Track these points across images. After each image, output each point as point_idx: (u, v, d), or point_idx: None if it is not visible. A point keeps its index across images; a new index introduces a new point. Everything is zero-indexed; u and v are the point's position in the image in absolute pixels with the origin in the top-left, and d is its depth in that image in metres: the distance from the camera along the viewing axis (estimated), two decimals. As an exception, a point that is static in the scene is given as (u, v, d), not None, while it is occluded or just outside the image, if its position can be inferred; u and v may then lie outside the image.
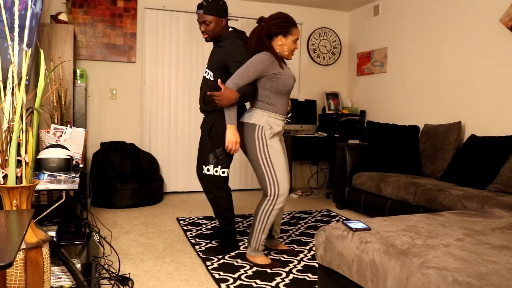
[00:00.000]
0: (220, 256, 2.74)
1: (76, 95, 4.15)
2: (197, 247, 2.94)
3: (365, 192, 3.83)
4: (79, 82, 4.14)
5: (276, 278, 2.40)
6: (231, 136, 2.50)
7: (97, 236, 2.28)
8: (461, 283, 1.23)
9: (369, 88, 5.18)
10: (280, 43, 2.57)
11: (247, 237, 3.15)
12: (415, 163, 3.87)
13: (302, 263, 2.64)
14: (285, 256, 2.78)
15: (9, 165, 1.53)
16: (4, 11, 1.76)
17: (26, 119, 1.60)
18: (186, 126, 4.90)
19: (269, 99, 2.57)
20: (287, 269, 2.54)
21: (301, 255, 2.79)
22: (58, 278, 1.97)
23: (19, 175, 1.57)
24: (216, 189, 2.80)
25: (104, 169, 4.20)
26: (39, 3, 2.54)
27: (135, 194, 4.15)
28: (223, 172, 2.78)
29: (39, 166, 2.15)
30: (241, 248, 2.94)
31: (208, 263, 2.63)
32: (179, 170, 4.88)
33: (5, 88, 1.60)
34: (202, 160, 2.85)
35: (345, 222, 1.84)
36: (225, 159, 2.78)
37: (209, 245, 2.99)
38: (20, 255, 1.45)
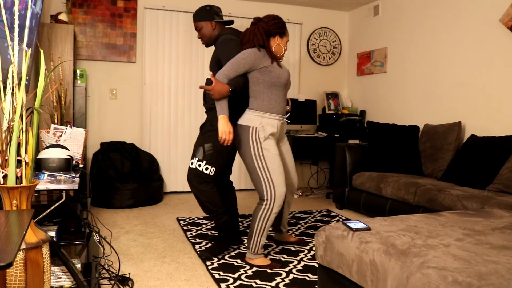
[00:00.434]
0: (219, 256, 2.73)
1: (76, 95, 4.15)
2: (197, 247, 2.94)
3: (365, 192, 3.84)
4: (79, 82, 4.14)
5: (276, 278, 2.40)
6: (224, 126, 2.45)
7: (97, 236, 2.28)
8: (461, 283, 1.23)
9: (369, 88, 5.18)
10: (277, 43, 2.62)
11: (247, 237, 3.16)
12: (415, 163, 3.87)
13: (302, 263, 2.64)
14: (285, 256, 2.78)
15: (9, 165, 1.53)
16: (4, 11, 1.76)
17: (26, 119, 1.60)
18: (186, 126, 4.90)
19: (263, 95, 2.55)
20: (287, 269, 2.54)
21: (301, 255, 2.79)
22: (58, 278, 1.97)
23: (19, 175, 1.57)
24: (198, 183, 2.72)
25: (104, 169, 4.20)
26: (39, 3, 2.54)
27: (135, 194, 4.15)
28: (206, 169, 2.69)
29: (39, 166, 2.15)
30: (241, 248, 2.93)
31: (208, 263, 2.62)
32: (179, 170, 4.88)
33: (5, 88, 1.60)
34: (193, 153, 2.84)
35: (345, 222, 1.84)
36: (212, 156, 2.69)
37: (209, 244, 2.99)
38: (20, 255, 1.45)
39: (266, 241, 3.07)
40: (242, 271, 2.50)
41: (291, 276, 2.44)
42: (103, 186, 4.12)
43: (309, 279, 2.39)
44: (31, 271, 1.47)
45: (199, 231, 3.32)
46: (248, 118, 2.56)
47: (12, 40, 1.70)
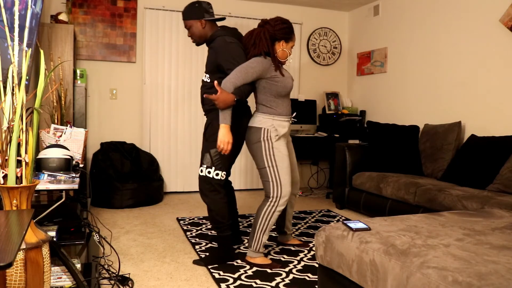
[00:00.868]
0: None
1: (76, 95, 4.15)
2: (197, 247, 2.94)
3: (365, 192, 3.83)
4: (79, 82, 4.14)
5: (276, 278, 2.40)
6: (224, 136, 2.44)
7: (97, 236, 2.28)
8: (461, 283, 1.23)
9: (369, 88, 5.18)
10: (281, 48, 2.60)
11: (247, 237, 3.16)
12: (415, 163, 3.87)
13: (302, 263, 2.64)
14: (285, 256, 2.78)
15: (9, 165, 1.53)
16: (4, 11, 1.76)
17: (26, 119, 1.60)
18: (186, 126, 4.90)
19: (270, 103, 2.57)
20: (287, 269, 2.54)
21: (301, 255, 2.79)
22: (58, 278, 1.97)
23: (19, 175, 1.57)
24: (209, 191, 2.66)
25: (104, 169, 4.20)
26: (39, 3, 2.54)
27: (135, 194, 4.15)
28: (217, 174, 2.63)
29: (39, 166, 2.15)
30: (241, 248, 2.94)
31: (208, 263, 2.62)
32: (179, 170, 4.88)
33: (5, 88, 1.60)
34: (200, 160, 2.81)
35: (345, 222, 1.84)
36: (220, 161, 2.64)
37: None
38: (20, 255, 1.45)
39: (267, 241, 3.07)
40: (242, 271, 2.50)
41: (291, 276, 2.44)
42: (103, 186, 4.12)
43: (309, 279, 2.39)
44: (31, 271, 1.47)
45: (199, 231, 3.32)
46: (259, 120, 2.58)
47: (12, 40, 1.70)
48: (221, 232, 2.70)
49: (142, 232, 3.31)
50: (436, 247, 1.51)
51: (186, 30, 4.83)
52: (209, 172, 2.65)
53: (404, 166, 3.86)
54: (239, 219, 3.72)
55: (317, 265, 2.48)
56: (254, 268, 2.54)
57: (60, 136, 2.61)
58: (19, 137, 1.55)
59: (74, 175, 2.15)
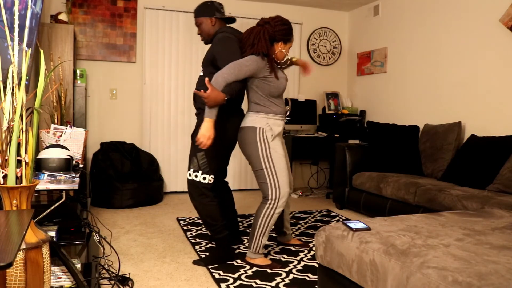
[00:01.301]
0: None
1: (76, 95, 4.15)
2: (197, 247, 2.94)
3: (365, 192, 3.83)
4: (79, 82, 4.14)
5: (276, 278, 2.40)
6: (206, 130, 2.37)
7: (97, 236, 2.28)
8: (461, 283, 1.23)
9: (369, 88, 5.18)
10: (279, 49, 2.58)
11: (247, 237, 3.16)
12: (415, 163, 3.87)
13: (302, 263, 2.64)
14: (285, 256, 2.78)
15: (9, 165, 1.53)
16: (4, 11, 1.76)
17: (26, 119, 1.60)
18: (186, 126, 4.90)
19: (264, 101, 2.55)
20: (287, 269, 2.54)
21: (301, 255, 2.79)
22: (58, 278, 1.97)
23: (19, 175, 1.57)
24: (197, 195, 2.64)
25: (104, 169, 4.20)
26: (39, 3, 2.54)
27: (135, 194, 4.15)
28: (204, 178, 2.60)
29: (39, 166, 2.15)
30: (241, 248, 2.94)
31: (208, 263, 2.62)
32: (179, 170, 4.88)
33: (5, 88, 1.60)
34: (188, 164, 2.74)
35: (345, 222, 1.84)
36: (207, 164, 2.60)
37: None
38: (20, 255, 1.45)
39: (267, 241, 3.07)
40: (242, 271, 2.50)
41: (291, 276, 2.44)
42: (103, 186, 4.12)
43: (309, 279, 2.39)
44: (31, 271, 1.47)
45: (199, 231, 3.32)
46: (253, 119, 2.55)
47: (12, 40, 1.70)
48: (216, 233, 2.68)
49: (142, 232, 3.31)
50: (436, 247, 1.51)
51: (186, 30, 4.84)
52: (196, 176, 2.62)
53: (404, 166, 3.86)
54: (238, 219, 3.72)
55: (317, 265, 2.48)
56: (254, 268, 2.54)
57: (60, 136, 2.61)
58: (19, 137, 1.55)
59: (74, 175, 2.15)
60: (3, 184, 1.53)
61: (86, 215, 2.74)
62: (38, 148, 2.45)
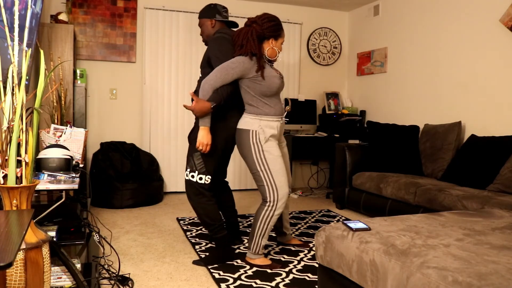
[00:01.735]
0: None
1: (76, 95, 4.15)
2: (197, 247, 2.94)
3: (365, 192, 3.83)
4: (79, 82, 4.14)
5: (276, 278, 2.40)
6: (202, 138, 2.46)
7: (97, 236, 2.28)
8: (461, 283, 1.23)
9: (369, 88, 5.18)
10: (271, 46, 2.56)
11: (247, 237, 3.16)
12: (415, 163, 3.87)
13: (302, 263, 2.64)
14: (285, 256, 2.78)
15: (9, 165, 1.53)
16: (4, 11, 1.76)
17: (26, 119, 1.60)
18: (186, 126, 4.89)
19: (257, 102, 2.52)
20: (287, 269, 2.54)
21: (301, 255, 2.79)
22: (58, 278, 1.97)
23: (19, 175, 1.57)
24: (195, 195, 2.66)
25: (104, 169, 4.20)
26: (39, 3, 2.54)
27: (135, 194, 4.15)
28: (200, 179, 2.62)
29: (39, 166, 2.15)
30: (241, 248, 2.94)
31: (208, 263, 2.62)
32: (179, 170, 4.88)
33: (5, 88, 1.60)
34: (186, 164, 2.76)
35: (345, 222, 1.84)
36: (204, 165, 2.62)
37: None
38: (20, 255, 1.45)
39: (267, 241, 3.07)
40: (242, 271, 2.50)
41: (291, 276, 2.44)
42: (103, 186, 4.12)
43: (309, 279, 2.39)
44: (31, 271, 1.47)
45: (199, 231, 3.32)
46: (246, 122, 2.55)
47: (12, 40, 1.70)
48: (215, 233, 2.69)
49: (142, 232, 3.31)
50: (436, 247, 1.51)
51: (186, 30, 4.84)
52: (192, 176, 2.64)
53: (404, 166, 3.86)
54: (238, 219, 3.72)
55: (317, 265, 2.48)
56: (254, 268, 2.54)
57: (60, 136, 2.61)
58: (19, 137, 1.55)
59: (74, 175, 2.15)
60: (3, 184, 1.53)
61: (86, 215, 2.74)
62: (38, 148, 2.45)
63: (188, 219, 3.68)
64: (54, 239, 1.94)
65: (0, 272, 1.37)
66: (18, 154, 1.56)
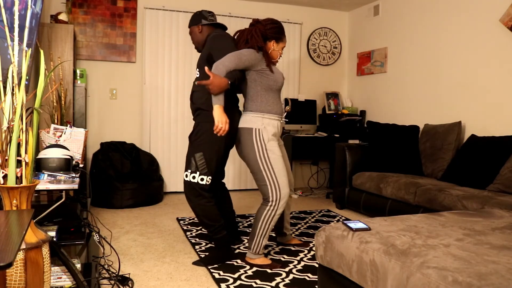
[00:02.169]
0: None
1: (76, 95, 4.15)
2: (197, 247, 2.94)
3: (365, 192, 3.83)
4: (79, 82, 4.14)
5: (276, 278, 2.40)
6: (220, 116, 2.38)
7: (97, 236, 2.28)
8: (461, 283, 1.23)
9: (369, 88, 5.18)
10: (272, 48, 2.62)
11: (247, 237, 3.16)
12: (415, 163, 3.87)
13: (302, 263, 2.64)
14: (285, 256, 2.78)
15: (9, 165, 1.53)
16: (4, 11, 1.76)
17: (26, 119, 1.60)
18: (186, 126, 4.89)
19: (260, 98, 2.55)
20: (287, 269, 2.54)
21: (301, 255, 2.79)
22: (58, 278, 1.97)
23: (19, 175, 1.57)
24: (194, 197, 2.64)
25: (104, 169, 4.20)
26: (39, 3, 2.54)
27: (135, 194, 4.15)
28: (202, 180, 2.61)
29: (39, 166, 2.15)
30: (241, 248, 2.94)
31: (208, 263, 2.62)
32: (179, 170, 4.88)
33: (5, 88, 1.60)
34: (185, 165, 2.74)
35: (345, 222, 1.84)
36: (205, 165, 2.60)
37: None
38: (20, 255, 1.45)
39: (267, 241, 3.07)
40: (242, 271, 2.50)
41: (291, 276, 2.43)
42: (103, 186, 4.12)
43: (309, 279, 2.39)
44: (31, 271, 1.47)
45: (199, 231, 3.32)
46: (249, 120, 2.55)
47: (12, 40, 1.70)
48: (215, 234, 2.69)
49: (142, 232, 3.31)
50: (436, 247, 1.51)
51: (186, 30, 4.84)
52: (193, 177, 2.62)
53: (404, 166, 3.86)
54: (238, 219, 3.72)
55: (317, 265, 2.48)
56: (254, 268, 2.54)
57: (60, 136, 2.61)
58: (19, 137, 1.55)
59: (74, 175, 2.15)
60: (3, 184, 1.53)
61: (86, 215, 2.74)
62: (38, 148, 2.45)
63: (188, 219, 3.68)
64: (54, 239, 1.94)
65: (0, 272, 1.37)
66: (18, 154, 1.56)
